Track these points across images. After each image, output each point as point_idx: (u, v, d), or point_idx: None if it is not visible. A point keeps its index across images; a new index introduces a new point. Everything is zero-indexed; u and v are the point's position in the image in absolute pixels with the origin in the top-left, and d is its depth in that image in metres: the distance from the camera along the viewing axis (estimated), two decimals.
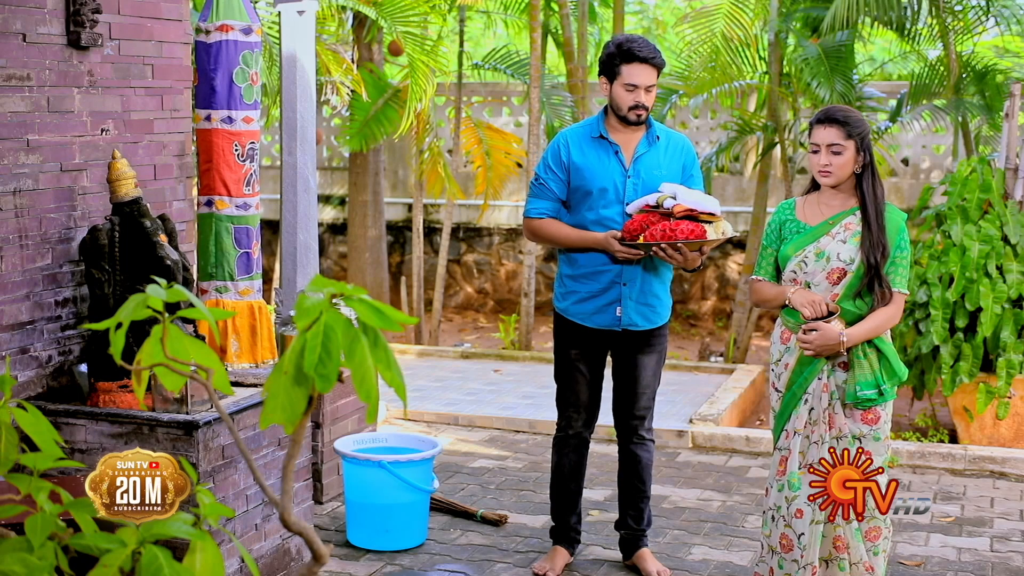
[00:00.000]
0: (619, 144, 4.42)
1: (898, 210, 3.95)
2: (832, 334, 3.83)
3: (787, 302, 3.94)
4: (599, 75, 4.49)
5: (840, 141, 3.84)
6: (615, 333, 4.48)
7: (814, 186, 4.02)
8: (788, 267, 3.96)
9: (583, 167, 4.41)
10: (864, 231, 3.86)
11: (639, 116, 4.37)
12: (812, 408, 3.92)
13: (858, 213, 3.90)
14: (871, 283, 3.85)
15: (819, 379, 3.91)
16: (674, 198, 4.22)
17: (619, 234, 4.28)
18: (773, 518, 3.97)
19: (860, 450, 3.65)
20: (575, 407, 4.63)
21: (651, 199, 4.26)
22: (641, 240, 4.21)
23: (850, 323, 3.87)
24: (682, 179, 4.42)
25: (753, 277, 4.12)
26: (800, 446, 3.93)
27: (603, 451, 6.24)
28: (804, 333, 3.87)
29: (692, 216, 4.21)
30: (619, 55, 4.36)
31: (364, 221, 10.78)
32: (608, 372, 4.66)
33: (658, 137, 4.44)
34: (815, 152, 3.90)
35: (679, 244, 4.17)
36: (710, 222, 4.23)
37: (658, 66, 4.37)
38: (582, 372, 4.57)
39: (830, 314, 3.85)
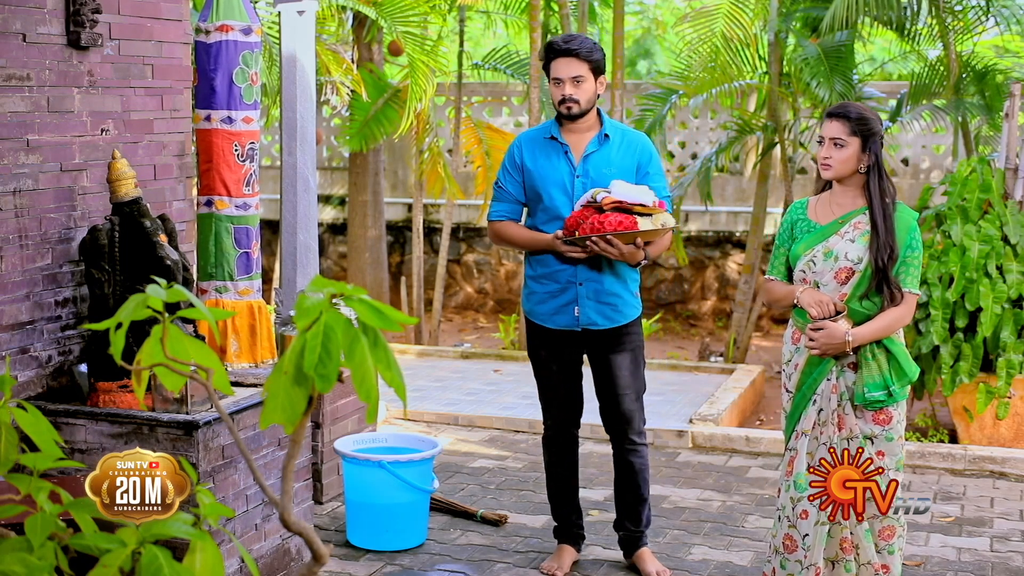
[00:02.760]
0: (569, 144, 4.43)
1: (909, 209, 3.92)
2: (838, 334, 3.82)
3: (795, 301, 3.94)
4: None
5: (843, 136, 3.85)
6: (577, 333, 4.48)
7: (827, 185, 4.01)
8: (798, 266, 3.96)
9: (533, 168, 4.45)
10: (872, 232, 3.84)
11: (569, 109, 4.37)
12: (821, 409, 3.91)
13: (868, 213, 3.90)
14: (879, 284, 3.83)
15: (828, 380, 3.89)
16: (608, 192, 4.22)
17: (561, 234, 4.31)
18: (780, 518, 3.96)
19: (860, 450, 3.65)
20: (555, 406, 4.65)
21: (588, 195, 4.28)
22: (577, 236, 4.25)
23: (858, 323, 3.85)
24: (636, 177, 4.38)
25: (766, 276, 4.12)
26: (808, 447, 3.92)
27: (603, 451, 6.24)
28: (811, 332, 3.88)
29: (622, 208, 4.19)
30: (545, 52, 4.43)
31: (364, 221, 10.78)
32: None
33: (607, 136, 4.42)
34: (820, 143, 3.92)
35: (608, 236, 4.14)
36: (647, 214, 4.19)
37: (584, 58, 4.33)
38: (554, 372, 4.58)
39: (837, 314, 3.84)
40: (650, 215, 4.20)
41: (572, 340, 4.51)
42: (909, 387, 3.91)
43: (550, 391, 4.64)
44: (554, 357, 4.56)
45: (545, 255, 4.44)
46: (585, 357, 4.60)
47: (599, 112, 4.47)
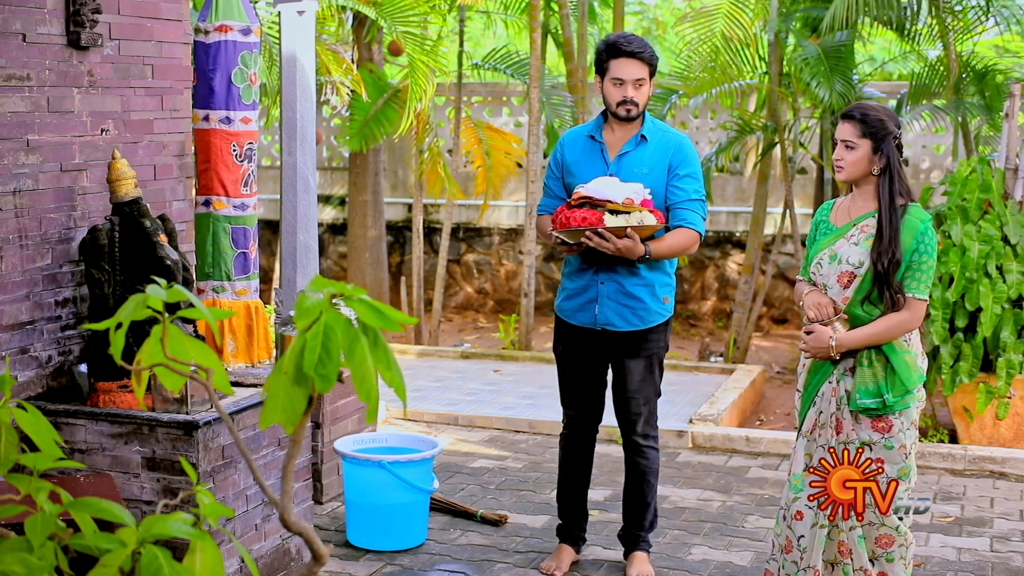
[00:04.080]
0: (607, 143, 4.47)
1: (922, 213, 3.81)
2: (823, 337, 3.79)
3: (800, 303, 3.94)
4: (595, 75, 4.53)
5: (853, 138, 3.80)
6: (597, 333, 4.49)
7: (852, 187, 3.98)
8: (810, 268, 3.94)
9: (572, 165, 4.49)
10: (875, 236, 3.77)
11: (628, 112, 4.39)
12: (821, 411, 3.88)
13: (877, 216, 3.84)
14: (881, 289, 3.75)
15: (829, 382, 3.86)
16: (582, 188, 4.31)
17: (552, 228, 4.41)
18: (784, 517, 3.94)
19: (860, 450, 3.63)
20: (571, 405, 4.66)
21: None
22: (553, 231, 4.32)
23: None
24: (668, 178, 4.40)
25: (797, 277, 4.10)
26: (806, 448, 3.90)
27: (603, 451, 6.23)
28: (802, 335, 3.87)
29: (591, 203, 4.23)
30: (606, 51, 4.41)
31: (364, 221, 10.78)
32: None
33: (644, 137, 4.44)
34: (836, 145, 3.89)
35: (599, 229, 4.17)
36: (623, 212, 4.21)
37: (646, 61, 4.37)
38: (575, 370, 4.59)
39: (837, 316, 3.81)
40: (626, 212, 4.21)
41: (593, 339, 4.51)
42: (913, 397, 3.78)
43: (568, 389, 4.65)
44: (576, 355, 4.58)
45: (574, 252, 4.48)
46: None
47: (644, 113, 4.49)
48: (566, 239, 4.29)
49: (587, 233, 4.21)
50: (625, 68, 4.36)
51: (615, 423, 4.74)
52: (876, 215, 3.81)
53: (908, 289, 3.76)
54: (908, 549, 3.89)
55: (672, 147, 4.44)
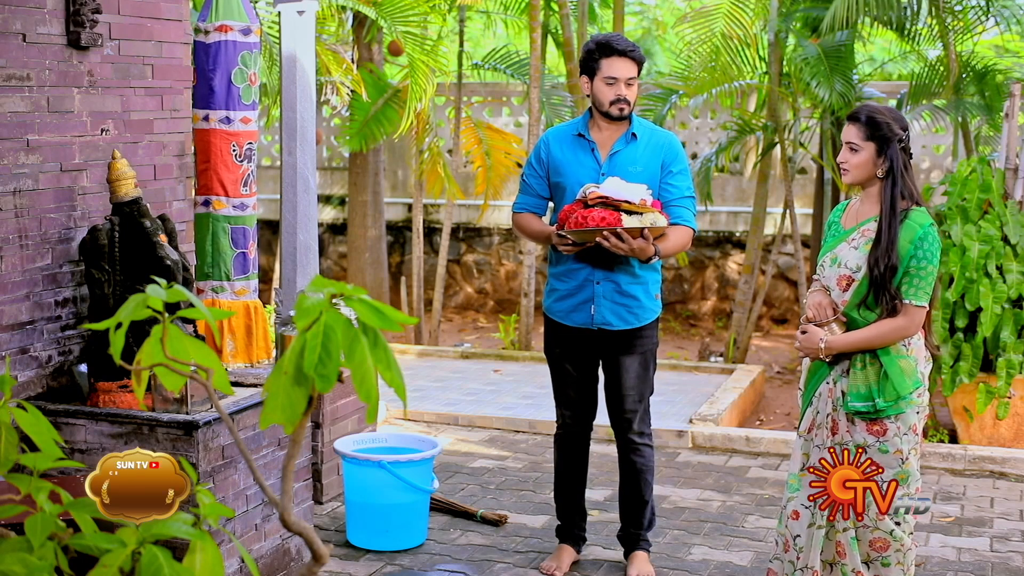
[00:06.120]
0: (597, 142, 4.47)
1: (924, 217, 3.74)
2: (814, 339, 3.79)
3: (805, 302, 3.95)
4: (580, 75, 4.54)
5: (857, 141, 3.76)
6: (593, 332, 4.49)
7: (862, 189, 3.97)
8: (817, 269, 3.94)
9: (561, 164, 4.49)
10: (874, 240, 3.74)
11: (621, 110, 4.41)
12: (818, 411, 3.88)
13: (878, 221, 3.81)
14: (877, 294, 3.72)
15: (826, 383, 3.85)
16: (597, 188, 4.28)
17: (557, 228, 4.37)
18: (783, 516, 3.94)
19: (860, 450, 3.62)
20: (567, 405, 4.66)
21: (581, 191, 4.33)
22: (565, 229, 4.28)
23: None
24: (661, 176, 4.43)
25: (813, 277, 4.09)
26: (802, 448, 3.90)
27: (603, 451, 6.24)
28: (798, 333, 3.88)
29: (607, 203, 4.22)
30: (598, 50, 4.43)
31: (364, 221, 10.78)
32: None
33: (634, 135, 4.46)
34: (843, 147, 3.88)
35: (618, 230, 4.16)
36: (637, 212, 4.21)
37: (637, 60, 4.42)
38: (569, 370, 4.60)
39: (835, 318, 3.81)
40: (639, 213, 4.21)
41: (588, 339, 4.52)
42: (910, 403, 3.73)
43: (563, 390, 4.65)
44: (569, 355, 4.58)
45: (565, 252, 4.46)
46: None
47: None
48: (576, 239, 4.28)
49: (604, 233, 4.20)
50: (618, 67, 4.39)
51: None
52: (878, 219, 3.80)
53: (906, 295, 3.71)
54: (907, 555, 3.84)
55: (664, 145, 4.48)
